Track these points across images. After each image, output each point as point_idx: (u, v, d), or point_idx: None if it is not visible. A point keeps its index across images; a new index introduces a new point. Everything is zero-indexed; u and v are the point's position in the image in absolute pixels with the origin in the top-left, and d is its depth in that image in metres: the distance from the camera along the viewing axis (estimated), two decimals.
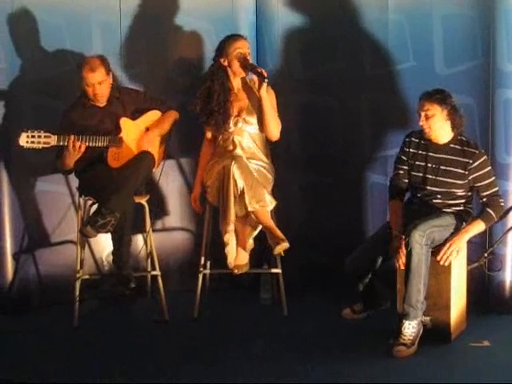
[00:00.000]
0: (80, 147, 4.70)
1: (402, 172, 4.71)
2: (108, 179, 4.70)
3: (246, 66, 4.84)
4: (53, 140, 4.71)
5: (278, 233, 4.67)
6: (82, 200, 4.96)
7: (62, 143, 4.71)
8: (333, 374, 4.15)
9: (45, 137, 4.70)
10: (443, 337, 4.51)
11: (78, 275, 4.90)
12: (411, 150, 4.67)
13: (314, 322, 4.87)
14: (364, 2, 5.27)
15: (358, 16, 5.28)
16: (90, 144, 4.76)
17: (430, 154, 4.61)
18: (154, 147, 4.95)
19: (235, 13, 5.41)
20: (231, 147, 4.92)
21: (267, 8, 5.42)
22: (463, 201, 4.62)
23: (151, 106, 5.04)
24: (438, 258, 4.47)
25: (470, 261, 4.76)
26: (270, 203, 4.77)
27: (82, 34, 5.21)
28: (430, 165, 4.61)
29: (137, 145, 4.91)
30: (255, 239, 4.87)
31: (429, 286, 4.44)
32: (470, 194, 4.63)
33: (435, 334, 4.50)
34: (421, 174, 4.63)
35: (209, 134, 5.02)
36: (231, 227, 4.70)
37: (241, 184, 4.65)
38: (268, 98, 4.83)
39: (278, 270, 4.96)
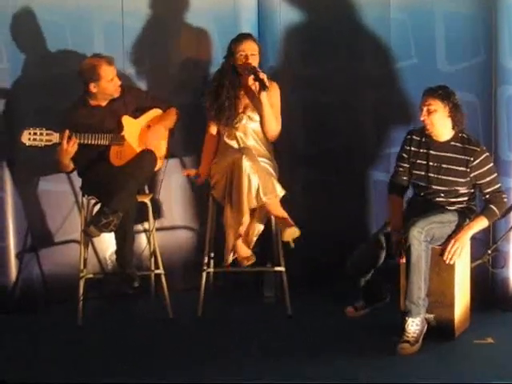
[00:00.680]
0: (73, 142, 4.69)
1: (402, 169, 4.71)
2: (110, 178, 4.70)
3: (246, 69, 4.86)
4: (55, 138, 4.72)
5: (290, 221, 4.70)
6: (85, 199, 4.97)
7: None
8: (337, 371, 4.14)
9: (47, 134, 4.72)
10: (447, 334, 4.51)
11: (81, 274, 4.90)
12: (412, 148, 4.66)
13: (318, 320, 4.87)
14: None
15: (360, 14, 5.28)
16: (93, 142, 4.77)
17: (431, 152, 4.61)
18: (160, 140, 4.95)
19: (237, 11, 5.41)
20: (235, 144, 4.94)
21: (269, 6, 5.42)
22: (466, 198, 4.62)
23: (152, 105, 5.04)
24: (444, 257, 4.47)
25: (473, 258, 4.76)
26: (280, 192, 4.81)
27: (84, 34, 5.22)
28: (431, 163, 4.60)
29: (140, 142, 4.92)
30: (258, 238, 4.88)
31: (432, 283, 4.44)
32: (472, 191, 4.63)
33: (439, 331, 4.50)
34: (423, 173, 4.63)
35: (213, 130, 5.04)
36: (246, 218, 4.71)
37: (255, 179, 4.67)
38: (268, 101, 4.87)
39: (282, 269, 4.96)
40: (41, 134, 4.71)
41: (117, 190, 4.64)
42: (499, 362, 4.23)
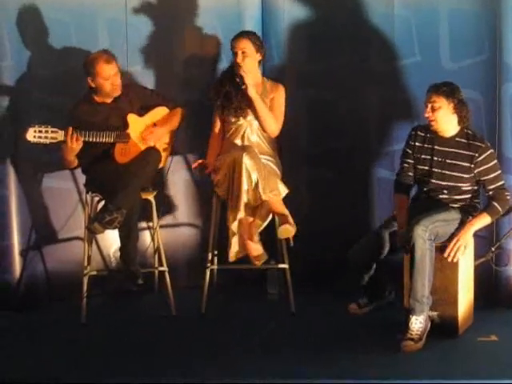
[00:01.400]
0: (77, 139, 4.70)
1: (407, 166, 4.71)
2: (115, 175, 4.71)
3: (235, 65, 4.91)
4: (60, 135, 4.73)
5: (289, 219, 4.71)
6: (89, 196, 4.97)
7: None
8: (340, 369, 4.14)
9: (52, 132, 4.72)
10: (451, 331, 4.51)
11: (85, 271, 4.90)
12: (417, 143, 4.66)
13: (321, 318, 4.87)
14: None
15: (364, 10, 5.27)
16: (98, 140, 4.78)
17: (436, 147, 4.61)
18: (162, 143, 4.96)
19: (241, 8, 5.40)
20: (239, 141, 4.95)
21: (273, 2, 5.40)
22: (469, 195, 4.62)
23: (158, 103, 5.05)
24: (446, 254, 4.47)
25: (477, 256, 4.76)
26: (283, 191, 4.83)
27: (88, 31, 5.23)
28: (435, 158, 4.60)
29: (144, 140, 4.93)
30: (261, 233, 4.88)
31: (436, 280, 4.44)
32: (476, 188, 4.63)
33: (443, 328, 4.50)
34: (427, 168, 4.63)
35: (217, 128, 5.05)
36: (240, 215, 4.71)
37: (254, 176, 4.68)
38: (258, 98, 4.87)
39: (285, 266, 4.96)
40: (46, 132, 4.72)
41: (121, 187, 4.64)
42: (503, 360, 4.23)
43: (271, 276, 5.29)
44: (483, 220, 4.56)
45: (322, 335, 4.61)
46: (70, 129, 4.70)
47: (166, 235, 5.30)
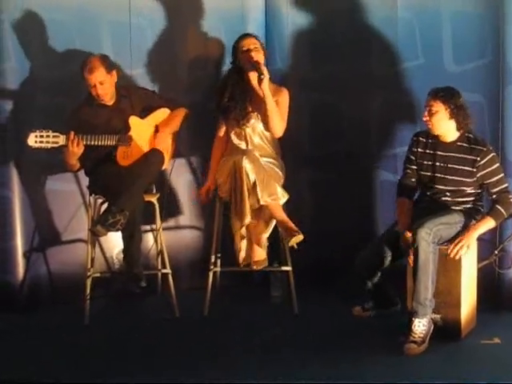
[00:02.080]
0: (78, 144, 4.71)
1: (410, 171, 4.71)
2: (117, 177, 4.71)
3: (250, 63, 4.87)
4: (61, 140, 4.73)
5: (292, 225, 4.69)
6: (92, 199, 4.97)
7: None
8: (343, 371, 4.14)
9: (53, 136, 4.72)
10: (453, 334, 4.51)
11: (88, 273, 4.91)
12: (419, 149, 4.66)
13: (325, 320, 4.87)
14: (373, 0, 5.27)
15: (367, 14, 5.28)
16: (100, 143, 4.78)
17: (438, 152, 4.61)
18: (166, 146, 4.97)
19: (244, 12, 5.42)
20: (243, 144, 4.96)
21: (276, 7, 5.42)
22: (472, 198, 4.62)
23: (160, 104, 5.05)
24: (449, 251, 4.47)
25: (480, 258, 4.76)
26: (283, 196, 4.82)
27: (91, 33, 5.23)
28: (438, 163, 4.61)
29: (148, 143, 4.93)
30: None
31: (439, 283, 4.44)
32: (479, 191, 4.63)
33: (446, 331, 4.50)
34: (429, 173, 4.63)
35: (221, 132, 5.06)
36: (247, 220, 4.72)
37: (252, 177, 4.68)
38: (270, 94, 4.83)
39: (289, 268, 4.96)
40: (47, 136, 4.71)
41: (124, 189, 4.64)
42: (506, 362, 4.22)
43: (274, 278, 5.29)
44: (487, 224, 4.56)
45: (325, 337, 4.61)
46: (72, 133, 4.70)
47: (169, 237, 5.31)
